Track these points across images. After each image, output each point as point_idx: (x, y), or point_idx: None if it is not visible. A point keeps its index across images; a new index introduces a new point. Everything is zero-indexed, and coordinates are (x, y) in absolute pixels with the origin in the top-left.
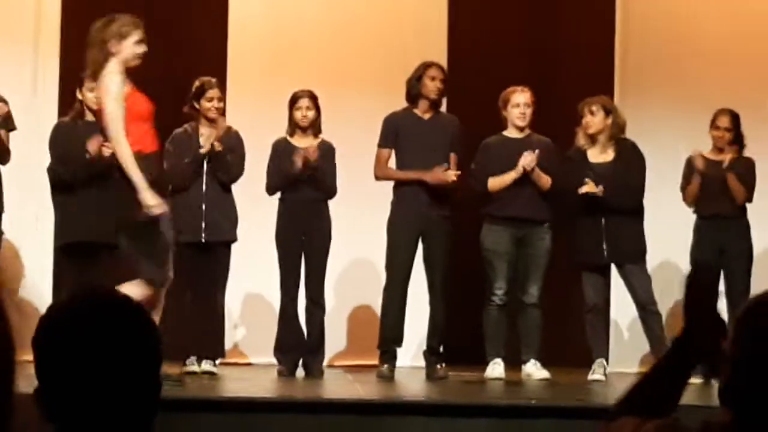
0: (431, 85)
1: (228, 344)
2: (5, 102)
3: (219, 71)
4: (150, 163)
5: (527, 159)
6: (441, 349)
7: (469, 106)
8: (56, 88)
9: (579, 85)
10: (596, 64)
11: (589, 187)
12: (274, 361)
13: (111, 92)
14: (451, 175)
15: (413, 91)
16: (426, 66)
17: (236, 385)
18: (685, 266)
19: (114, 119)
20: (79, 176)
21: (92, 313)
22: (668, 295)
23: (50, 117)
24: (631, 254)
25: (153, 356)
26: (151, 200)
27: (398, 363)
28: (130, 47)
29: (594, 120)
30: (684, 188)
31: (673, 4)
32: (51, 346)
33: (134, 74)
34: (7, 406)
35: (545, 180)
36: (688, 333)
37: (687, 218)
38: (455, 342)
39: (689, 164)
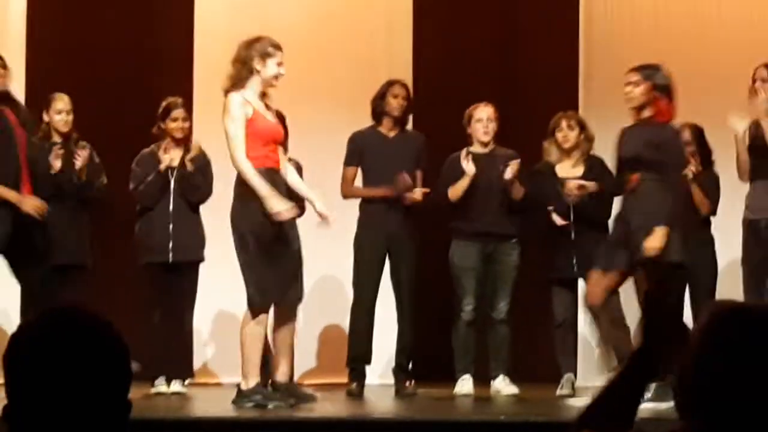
0: (394, 103)
1: (197, 364)
2: None
3: (186, 91)
4: (274, 176)
5: (510, 169)
6: (410, 366)
7: (435, 122)
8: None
9: (544, 100)
10: (561, 80)
11: (558, 220)
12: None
13: (229, 112)
14: (418, 193)
15: (378, 110)
16: (389, 84)
17: (206, 405)
18: None
19: (232, 138)
20: (47, 193)
21: (62, 332)
22: (636, 309)
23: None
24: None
25: (122, 376)
26: (278, 206)
27: (367, 380)
28: (272, 67)
29: (571, 134)
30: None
31: (636, 20)
32: (20, 364)
33: (105, 95)
34: None
35: (518, 190)
36: (645, 348)
37: None
38: (424, 358)
39: None
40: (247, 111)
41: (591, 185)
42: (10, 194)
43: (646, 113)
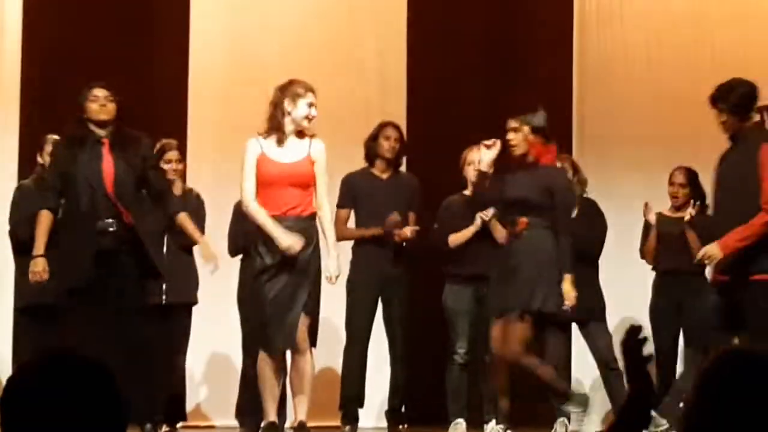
0: (386, 145)
1: (190, 406)
2: None
3: (179, 132)
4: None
5: (486, 213)
6: (403, 408)
7: (430, 164)
8: (15, 154)
9: None
10: (554, 121)
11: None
12: (236, 423)
13: (243, 160)
14: (408, 230)
15: (370, 152)
16: (381, 126)
17: None
18: (645, 323)
19: (242, 184)
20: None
21: (59, 376)
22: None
23: (10, 181)
24: (593, 312)
25: (116, 419)
26: (286, 241)
27: (360, 423)
28: (303, 108)
29: None
30: (643, 245)
31: (629, 63)
32: (17, 406)
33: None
34: None
35: (500, 233)
36: (632, 399)
37: (645, 275)
38: (417, 401)
39: (646, 223)
40: (256, 155)
41: None
42: None
43: (530, 158)
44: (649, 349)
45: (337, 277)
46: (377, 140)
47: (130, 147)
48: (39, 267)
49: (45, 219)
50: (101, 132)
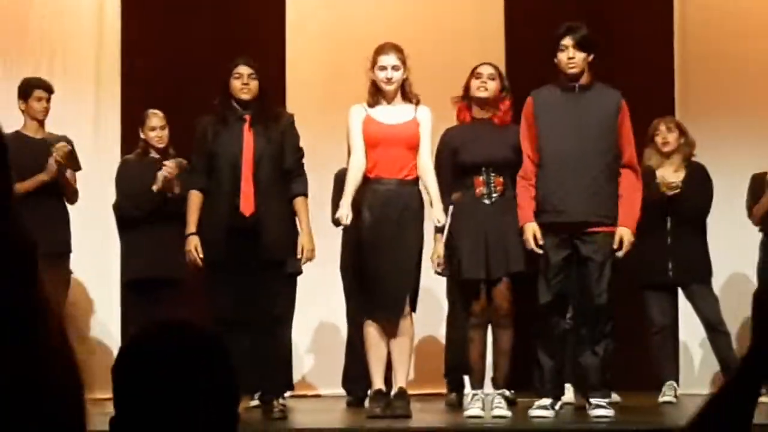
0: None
1: (296, 376)
2: (70, 143)
3: (278, 102)
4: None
5: None
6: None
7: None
8: (118, 128)
9: (639, 106)
10: (656, 85)
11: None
12: (343, 392)
13: (348, 126)
14: None
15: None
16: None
17: (306, 417)
18: (752, 285)
19: (349, 148)
20: (145, 209)
21: (171, 345)
22: (736, 314)
23: (114, 156)
24: (697, 274)
25: (230, 389)
26: (340, 211)
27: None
28: (379, 73)
29: (671, 137)
30: (750, 206)
31: (731, 21)
32: (130, 375)
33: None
34: None
35: None
36: (756, 350)
37: (752, 236)
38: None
39: (757, 183)
40: (360, 119)
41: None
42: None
43: (489, 113)
44: None
45: (443, 227)
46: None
47: (272, 123)
48: (191, 245)
49: (195, 199)
50: (244, 110)
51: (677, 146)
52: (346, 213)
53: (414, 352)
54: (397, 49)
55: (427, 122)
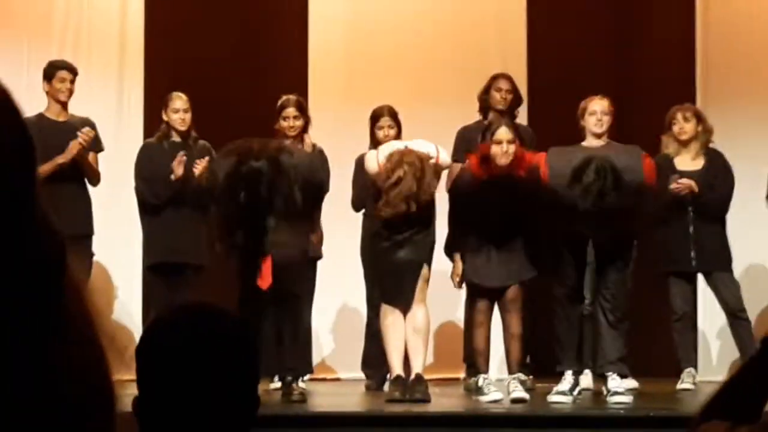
0: (498, 96)
1: (316, 359)
2: (93, 126)
3: (301, 88)
4: None
5: None
6: (528, 359)
7: (550, 116)
8: (141, 110)
9: (660, 94)
10: (678, 73)
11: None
12: (362, 376)
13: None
14: None
15: (483, 104)
16: (494, 78)
17: (325, 400)
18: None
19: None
20: (162, 197)
21: (194, 327)
22: (756, 301)
23: (136, 138)
24: (719, 262)
25: (252, 372)
26: None
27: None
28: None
29: (687, 126)
30: None
31: (754, 9)
32: (153, 357)
33: (222, 94)
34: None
35: None
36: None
37: None
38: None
39: None
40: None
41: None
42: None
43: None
44: None
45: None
46: (489, 92)
47: None
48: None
49: None
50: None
51: (695, 134)
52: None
53: (432, 336)
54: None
55: (444, 157)
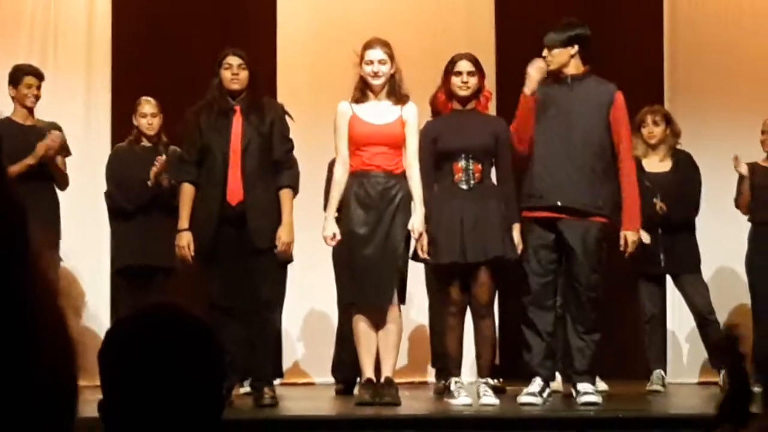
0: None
1: (287, 364)
2: (60, 129)
3: (270, 90)
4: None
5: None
6: (497, 361)
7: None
8: (108, 114)
9: (629, 94)
10: (646, 73)
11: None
12: (333, 380)
13: (335, 122)
14: None
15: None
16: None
17: (296, 404)
18: (741, 274)
19: (335, 146)
20: (136, 202)
21: (158, 328)
22: (724, 305)
23: (104, 142)
24: (688, 264)
25: (217, 374)
26: (327, 230)
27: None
28: (366, 68)
29: (657, 130)
30: (738, 196)
31: (720, 9)
32: (116, 359)
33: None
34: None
35: None
36: (732, 395)
37: (741, 225)
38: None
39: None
40: (346, 119)
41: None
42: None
43: (472, 104)
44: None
45: (420, 233)
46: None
47: (261, 114)
48: (183, 241)
49: (187, 192)
50: (233, 101)
51: (663, 137)
52: (331, 234)
53: (402, 341)
54: (384, 44)
55: (413, 120)
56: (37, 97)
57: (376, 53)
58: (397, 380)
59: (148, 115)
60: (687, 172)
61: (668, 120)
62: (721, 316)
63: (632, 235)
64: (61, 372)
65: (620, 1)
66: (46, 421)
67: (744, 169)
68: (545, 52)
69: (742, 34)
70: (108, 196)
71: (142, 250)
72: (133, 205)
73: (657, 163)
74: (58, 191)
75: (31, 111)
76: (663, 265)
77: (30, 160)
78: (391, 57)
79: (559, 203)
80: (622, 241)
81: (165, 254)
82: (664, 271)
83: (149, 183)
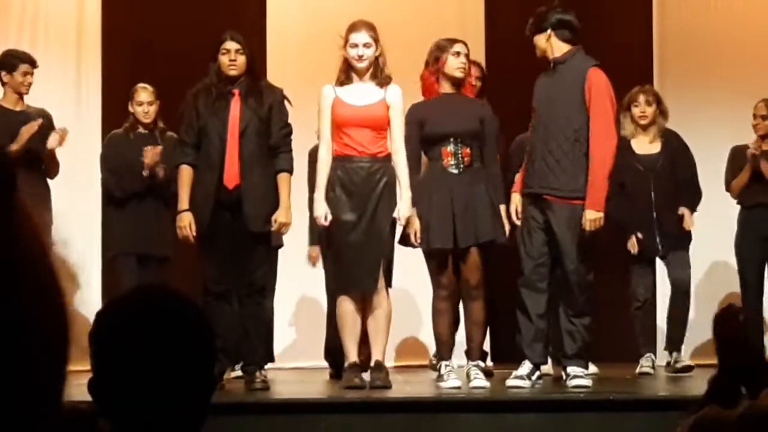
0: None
1: (279, 348)
2: (49, 117)
3: (259, 53)
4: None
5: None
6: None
7: (508, 101)
8: (99, 100)
9: (618, 75)
10: (635, 55)
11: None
12: (326, 364)
13: (319, 105)
14: None
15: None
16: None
17: (287, 388)
18: (729, 256)
19: (318, 129)
20: (128, 190)
21: (148, 309)
22: (711, 284)
23: (94, 128)
24: (679, 241)
25: (207, 356)
26: (318, 210)
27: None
28: (351, 50)
29: (649, 110)
30: (729, 179)
31: None
32: (107, 339)
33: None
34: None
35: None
36: (721, 372)
37: (729, 208)
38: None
39: (737, 156)
40: (329, 102)
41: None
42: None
43: (456, 88)
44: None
45: (407, 219)
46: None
47: (260, 98)
48: (185, 221)
49: (185, 174)
50: (232, 85)
51: (655, 117)
52: (323, 213)
53: (401, 323)
54: (369, 27)
55: (398, 104)
56: (31, 85)
57: (361, 36)
58: (400, 363)
59: (144, 102)
60: (676, 152)
61: (659, 100)
62: (708, 303)
63: (592, 214)
64: (51, 332)
65: None
66: (34, 383)
67: (765, 167)
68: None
69: (731, 16)
70: (103, 183)
71: (135, 238)
72: (124, 193)
73: (647, 145)
74: (48, 180)
75: (21, 97)
76: (661, 249)
77: (14, 146)
78: (376, 40)
79: (541, 193)
80: (583, 220)
81: (158, 242)
82: (659, 254)
83: (144, 173)
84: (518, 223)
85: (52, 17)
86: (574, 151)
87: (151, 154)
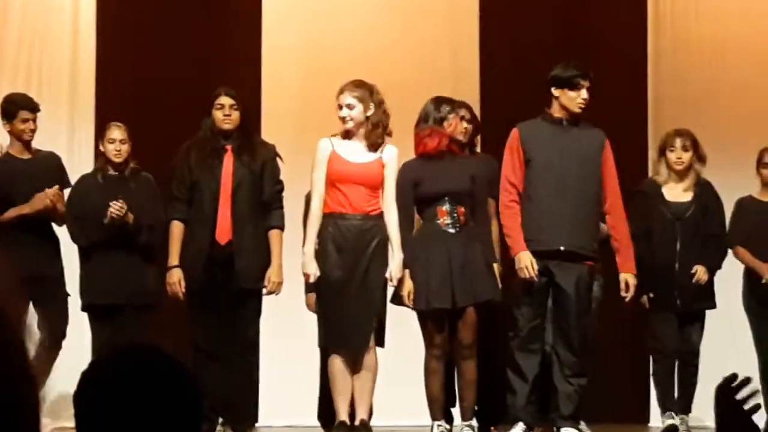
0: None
1: (270, 406)
2: (59, 160)
3: (254, 118)
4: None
5: None
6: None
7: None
8: (92, 143)
9: (612, 124)
10: (629, 102)
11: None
12: (316, 423)
13: (315, 158)
14: None
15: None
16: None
17: None
18: (738, 310)
19: (311, 181)
20: (91, 239)
21: (136, 369)
22: (716, 340)
23: (86, 170)
24: (695, 299)
25: (194, 416)
26: (308, 267)
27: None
28: (340, 112)
29: (686, 156)
30: (736, 238)
31: (704, 39)
32: (92, 401)
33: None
34: None
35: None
36: None
37: (732, 263)
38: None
39: (741, 208)
40: (325, 156)
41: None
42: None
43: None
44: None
45: (399, 279)
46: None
47: (253, 154)
48: (174, 278)
49: (176, 229)
50: (225, 140)
51: (690, 164)
52: (313, 271)
53: (397, 380)
54: (355, 87)
55: (393, 163)
56: (34, 131)
57: (343, 98)
58: (399, 423)
59: (116, 140)
60: (709, 203)
61: (695, 145)
62: (716, 355)
63: (633, 279)
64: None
65: (604, 34)
66: None
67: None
68: (585, 93)
69: (727, 63)
70: (68, 230)
71: (106, 288)
72: (88, 241)
73: (680, 192)
74: (55, 226)
75: (27, 144)
76: (680, 304)
77: (26, 209)
78: (362, 100)
79: (561, 248)
80: (623, 284)
81: (134, 292)
82: (679, 308)
83: (105, 221)
84: (533, 278)
85: (46, 63)
86: (593, 211)
87: (115, 209)
